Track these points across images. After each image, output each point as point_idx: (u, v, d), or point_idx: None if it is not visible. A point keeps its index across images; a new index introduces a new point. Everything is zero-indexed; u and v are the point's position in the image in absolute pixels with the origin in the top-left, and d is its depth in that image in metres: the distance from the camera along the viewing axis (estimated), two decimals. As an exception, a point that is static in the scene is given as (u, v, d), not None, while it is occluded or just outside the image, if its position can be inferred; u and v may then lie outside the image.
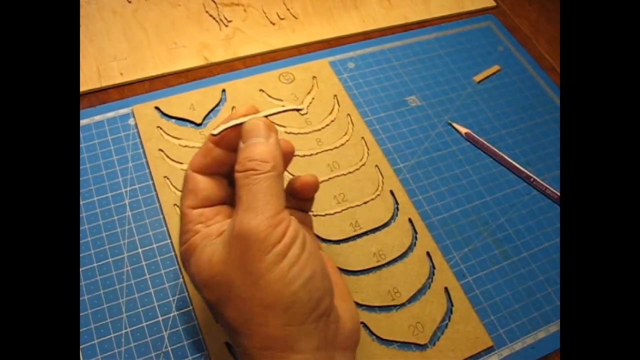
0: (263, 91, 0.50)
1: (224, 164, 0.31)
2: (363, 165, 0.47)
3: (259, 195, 0.28)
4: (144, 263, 0.40)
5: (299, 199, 0.35)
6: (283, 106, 0.32)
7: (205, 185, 0.31)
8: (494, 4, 0.63)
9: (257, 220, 0.27)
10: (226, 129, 0.30)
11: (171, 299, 0.38)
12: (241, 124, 0.30)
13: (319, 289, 0.28)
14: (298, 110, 0.34)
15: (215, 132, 0.30)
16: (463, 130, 0.50)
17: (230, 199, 0.32)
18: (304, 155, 0.46)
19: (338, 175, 0.46)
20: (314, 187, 0.34)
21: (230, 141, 0.31)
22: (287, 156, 0.34)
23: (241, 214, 0.28)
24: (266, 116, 0.31)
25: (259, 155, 0.29)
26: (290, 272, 0.27)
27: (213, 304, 0.29)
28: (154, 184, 0.43)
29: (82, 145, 0.44)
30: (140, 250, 0.40)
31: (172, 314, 0.38)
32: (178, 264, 0.40)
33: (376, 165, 0.47)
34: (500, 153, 0.49)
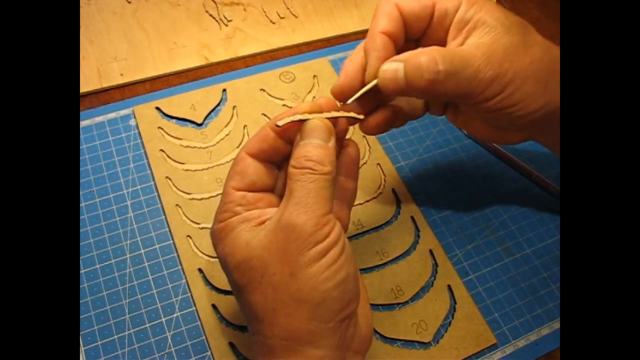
0: (264, 90, 0.50)
1: (278, 153, 0.32)
2: (365, 163, 0.47)
3: (312, 193, 0.29)
4: (146, 264, 0.40)
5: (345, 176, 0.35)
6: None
7: (254, 169, 0.32)
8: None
9: (306, 216, 0.28)
10: (291, 122, 0.31)
11: (174, 299, 0.38)
12: (304, 120, 0.31)
13: (350, 291, 0.29)
14: (359, 119, 0.34)
15: (280, 123, 0.30)
16: (464, 127, 0.50)
17: (277, 189, 0.33)
18: (306, 154, 0.46)
19: (340, 174, 0.46)
20: (354, 154, 0.34)
21: (290, 133, 0.31)
22: (352, 162, 0.34)
23: (291, 207, 0.28)
24: (327, 117, 0.32)
25: (317, 157, 0.29)
26: (328, 271, 0.28)
27: (240, 287, 0.29)
28: (155, 184, 0.43)
29: (83, 146, 0.44)
30: (142, 251, 0.40)
31: (175, 315, 0.38)
32: (181, 264, 0.40)
33: (378, 164, 0.47)
34: (502, 150, 0.49)
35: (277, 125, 0.31)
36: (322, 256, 0.28)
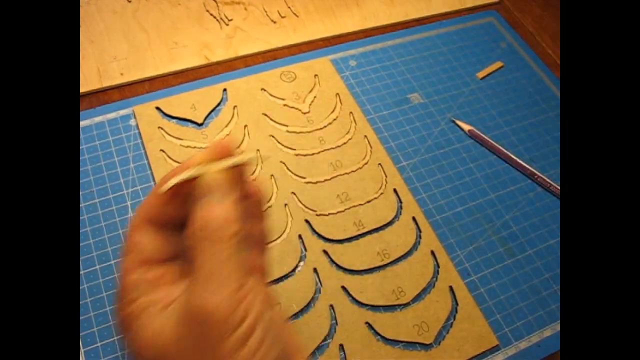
0: (265, 90, 0.50)
1: (174, 216, 0.27)
2: (366, 164, 0.47)
3: (219, 265, 0.24)
4: (146, 265, 0.39)
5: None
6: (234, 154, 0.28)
7: (150, 241, 0.27)
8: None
9: (217, 297, 0.23)
10: (177, 183, 0.26)
11: (174, 300, 0.38)
12: (195, 177, 0.26)
13: None
14: (255, 161, 0.30)
15: (164, 188, 0.26)
16: (466, 127, 0.50)
17: (183, 254, 0.28)
18: (306, 155, 0.46)
19: (341, 174, 0.46)
20: (258, 193, 0.30)
21: (183, 194, 0.27)
22: (257, 203, 0.30)
23: (199, 287, 0.24)
24: (224, 167, 0.27)
25: (219, 218, 0.25)
26: None
27: None
28: (156, 185, 0.43)
29: (83, 146, 0.44)
30: (142, 251, 0.40)
31: (175, 316, 0.38)
32: (181, 265, 0.40)
33: (379, 164, 0.47)
34: (504, 150, 0.49)
35: (162, 192, 0.26)
36: (243, 344, 0.23)
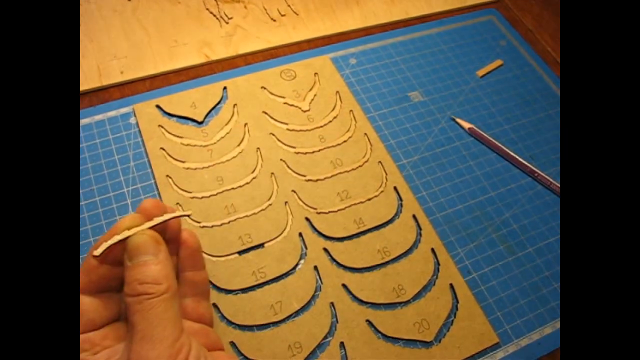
0: (265, 88, 0.50)
1: (111, 280, 0.29)
2: (366, 161, 0.47)
3: (155, 321, 0.26)
4: (147, 263, 0.39)
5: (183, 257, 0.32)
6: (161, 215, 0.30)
7: (89, 306, 0.28)
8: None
9: (156, 352, 0.25)
10: (109, 247, 0.28)
11: (175, 298, 0.38)
12: (125, 239, 0.28)
13: None
14: (187, 216, 0.32)
15: (97, 253, 0.27)
16: (466, 125, 0.50)
17: (124, 314, 0.30)
18: (307, 153, 0.46)
19: (341, 172, 0.46)
20: (194, 244, 0.32)
21: (116, 256, 0.28)
22: (194, 253, 0.32)
23: (137, 345, 0.25)
24: (152, 226, 0.29)
25: (150, 277, 0.27)
26: None
27: None
28: (156, 183, 0.43)
29: (83, 144, 0.44)
30: (143, 249, 0.40)
31: (176, 314, 0.38)
32: (181, 263, 0.40)
33: (379, 162, 0.47)
34: (504, 148, 0.49)
35: (95, 256, 0.28)
36: None
